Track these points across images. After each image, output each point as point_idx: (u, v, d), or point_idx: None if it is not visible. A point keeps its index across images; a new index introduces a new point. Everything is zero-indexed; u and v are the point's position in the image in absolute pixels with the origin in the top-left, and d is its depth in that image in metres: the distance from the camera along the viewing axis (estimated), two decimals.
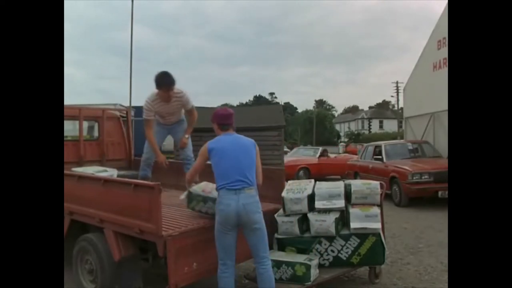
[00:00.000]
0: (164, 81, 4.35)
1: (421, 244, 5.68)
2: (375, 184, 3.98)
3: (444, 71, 10.87)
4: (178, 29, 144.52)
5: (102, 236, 3.57)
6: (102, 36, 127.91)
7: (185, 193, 3.81)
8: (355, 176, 11.55)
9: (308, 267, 3.56)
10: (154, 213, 3.14)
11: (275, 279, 3.37)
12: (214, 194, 3.41)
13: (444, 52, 10.95)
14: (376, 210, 3.82)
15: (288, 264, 3.59)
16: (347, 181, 4.12)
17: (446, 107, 9.93)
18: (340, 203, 3.84)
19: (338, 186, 3.96)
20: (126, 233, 3.41)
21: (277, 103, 57.02)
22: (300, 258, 3.66)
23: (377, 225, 3.77)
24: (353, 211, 3.82)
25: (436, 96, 10.86)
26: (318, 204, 3.83)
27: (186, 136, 4.85)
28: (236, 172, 3.16)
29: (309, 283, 3.54)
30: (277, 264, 3.57)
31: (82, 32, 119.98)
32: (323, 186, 3.99)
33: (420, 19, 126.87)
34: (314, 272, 3.61)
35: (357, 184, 3.98)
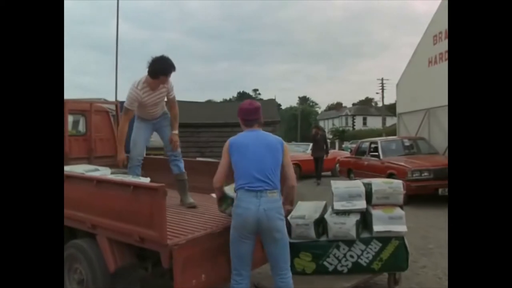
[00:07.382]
0: (166, 68, 3.80)
1: (431, 245, 5.41)
2: (398, 182, 3.65)
3: (440, 66, 10.67)
4: (158, 24, 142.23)
5: (94, 243, 3.15)
6: (78, 30, 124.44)
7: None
8: (349, 173, 11.31)
9: None
10: (158, 219, 2.72)
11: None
12: None
13: (440, 47, 10.77)
14: (400, 211, 3.49)
15: None
16: (365, 180, 3.77)
17: (442, 102, 9.81)
18: (361, 204, 3.49)
19: (357, 185, 3.62)
20: (124, 240, 3.00)
21: (261, 99, 56.68)
22: None
23: (402, 228, 3.44)
24: (375, 212, 3.48)
25: (432, 92, 10.67)
26: (337, 205, 3.48)
27: (175, 132, 4.15)
28: (257, 172, 2.79)
29: None
30: None
31: None
32: (341, 186, 3.64)
33: (400, 17, 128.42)
34: None
35: (378, 183, 3.63)
